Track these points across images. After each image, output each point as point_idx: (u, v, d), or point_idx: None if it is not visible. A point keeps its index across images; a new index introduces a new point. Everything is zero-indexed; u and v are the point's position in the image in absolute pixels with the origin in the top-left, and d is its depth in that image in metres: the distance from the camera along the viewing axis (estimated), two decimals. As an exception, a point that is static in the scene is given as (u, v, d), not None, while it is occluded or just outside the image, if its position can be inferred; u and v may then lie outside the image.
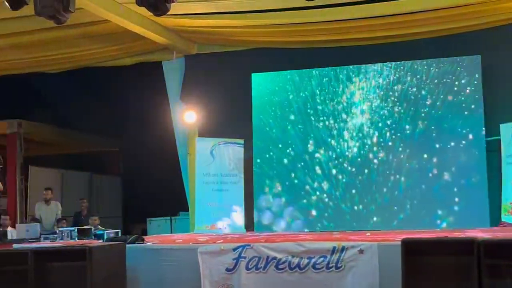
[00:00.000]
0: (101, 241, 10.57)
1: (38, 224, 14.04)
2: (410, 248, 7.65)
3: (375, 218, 12.91)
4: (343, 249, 8.61)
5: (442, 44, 12.51)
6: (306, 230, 13.04)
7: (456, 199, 12.52)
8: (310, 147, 13.43)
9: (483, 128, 12.44)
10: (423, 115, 12.88)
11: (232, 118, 13.66)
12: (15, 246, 10.46)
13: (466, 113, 12.62)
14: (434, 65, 12.88)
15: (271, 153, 13.60)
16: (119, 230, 12.90)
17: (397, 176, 12.95)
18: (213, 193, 13.12)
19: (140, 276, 9.31)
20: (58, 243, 10.44)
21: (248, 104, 13.70)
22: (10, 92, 21.60)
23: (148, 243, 10.24)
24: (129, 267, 9.28)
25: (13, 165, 19.71)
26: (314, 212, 13.30)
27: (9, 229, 14.14)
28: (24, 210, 18.94)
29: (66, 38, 12.12)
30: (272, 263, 8.74)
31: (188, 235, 12.65)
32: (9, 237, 12.73)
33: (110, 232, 11.55)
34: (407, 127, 12.95)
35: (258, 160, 13.64)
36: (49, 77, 15.27)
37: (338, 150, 13.28)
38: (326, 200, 13.24)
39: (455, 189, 12.56)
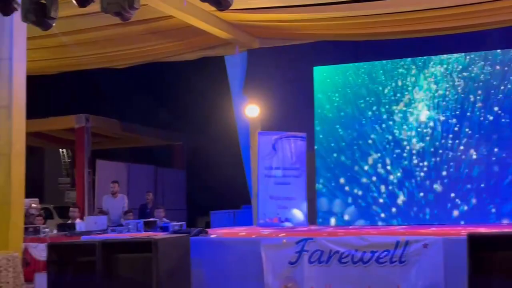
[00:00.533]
0: (166, 233, 10.69)
1: (106, 216, 14.30)
2: (477, 243, 7.51)
3: (435, 211, 12.71)
4: (407, 243, 8.54)
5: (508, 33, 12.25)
6: (368, 223, 12.94)
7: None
8: (373, 140, 13.31)
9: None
10: (494, 105, 12.63)
11: (295, 111, 13.66)
12: (83, 238, 10.67)
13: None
14: (500, 55, 12.63)
15: (333, 146, 13.53)
16: (183, 222, 13.04)
17: (465, 169, 12.72)
18: (276, 187, 13.14)
19: (204, 268, 9.38)
20: (125, 235, 10.60)
21: (310, 98, 13.65)
22: (78, 87, 22.08)
23: (212, 236, 10.33)
24: (193, 259, 9.35)
25: (81, 159, 20.15)
26: (376, 206, 13.18)
27: (77, 221, 14.41)
28: (92, 203, 19.29)
29: (131, 34, 12.28)
30: (335, 257, 8.72)
31: (251, 228, 12.72)
32: (77, 229, 12.98)
33: (175, 225, 11.69)
34: (477, 116, 12.72)
35: (321, 154, 13.58)
36: (115, 72, 15.49)
37: (404, 142, 13.12)
38: (389, 193, 13.11)
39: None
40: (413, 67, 13.09)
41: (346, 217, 13.27)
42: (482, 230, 9.26)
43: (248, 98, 13.84)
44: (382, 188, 13.16)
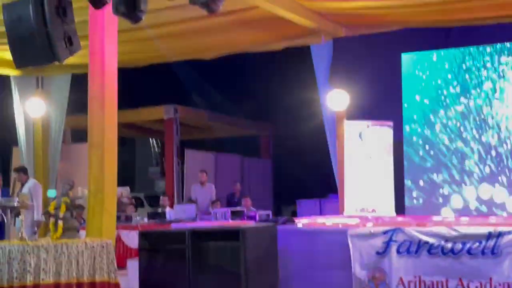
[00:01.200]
0: (253, 222, 10.77)
1: (194, 205, 14.52)
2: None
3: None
4: (499, 234, 8.37)
5: None
6: (458, 214, 12.76)
7: None
8: (463, 129, 13.09)
9: None
10: None
11: (382, 100, 13.59)
12: (173, 226, 10.87)
13: None
14: None
15: (422, 136, 13.39)
16: (270, 211, 13.12)
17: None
18: (363, 176, 13.08)
19: (291, 257, 9.42)
20: (213, 224, 10.72)
21: (398, 86, 13.58)
22: (166, 79, 22.43)
23: (299, 225, 10.35)
24: (280, 248, 9.40)
25: (170, 149, 20.51)
26: (467, 195, 12.97)
27: (167, 209, 14.71)
28: (181, 192, 19.56)
29: (218, 25, 12.36)
30: (424, 247, 8.64)
31: (337, 217, 12.67)
32: (167, 217, 13.24)
33: (261, 214, 11.77)
34: None
35: (409, 143, 13.45)
36: (203, 64, 15.66)
37: (495, 129, 12.87)
38: (478, 182, 12.90)
39: None
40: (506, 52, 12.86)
41: (434, 207, 13.14)
42: None
43: (334, 87, 13.76)
44: (473, 177, 12.99)
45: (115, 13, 8.15)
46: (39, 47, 8.18)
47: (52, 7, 8.10)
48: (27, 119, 15.82)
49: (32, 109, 15.50)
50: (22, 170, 12.11)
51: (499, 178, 12.76)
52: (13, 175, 11.96)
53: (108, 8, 8.19)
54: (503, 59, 12.78)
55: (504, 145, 12.72)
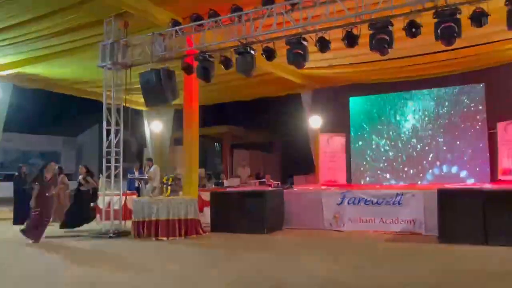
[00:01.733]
0: (270, 188, 10.83)
1: (238, 178, 14.58)
2: (443, 194, 7.30)
3: (421, 174, 12.35)
4: (402, 194, 8.37)
5: (460, 77, 11.68)
6: (378, 183, 12.69)
7: (468, 166, 11.70)
8: (381, 138, 13.04)
9: (486, 125, 11.59)
10: (447, 120, 12.16)
11: (339, 122, 13.50)
12: (228, 190, 10.93)
13: (476, 117, 11.80)
14: (455, 89, 12.15)
15: (360, 141, 13.35)
16: (279, 182, 13.15)
17: (430, 151, 12.31)
18: (330, 163, 13.04)
19: (291, 205, 9.41)
20: (248, 188, 10.73)
21: (347, 114, 13.51)
22: (224, 111, 22.45)
23: (295, 189, 10.37)
24: (285, 201, 9.45)
25: (225, 149, 20.75)
26: (385, 173, 12.90)
27: (224, 181, 14.80)
28: (231, 171, 19.61)
29: (251, 82, 12.33)
30: (362, 201, 8.66)
31: (315, 184, 12.65)
32: (224, 185, 13.32)
33: (275, 183, 11.82)
34: (440, 124, 12.28)
35: (354, 145, 13.40)
36: (243, 103, 15.69)
37: (401, 141, 12.81)
38: (391, 167, 12.82)
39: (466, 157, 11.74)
40: (409, 96, 12.80)
41: (368, 179, 13.06)
42: (449, 186, 8.93)
43: (314, 114, 13.76)
44: (387, 161, 12.92)
45: (198, 77, 8.32)
46: (158, 95, 8.36)
47: (165, 74, 8.29)
48: (151, 133, 16.09)
49: (154, 127, 15.81)
50: (150, 159, 12.33)
51: (398, 163, 12.70)
52: (145, 162, 12.15)
53: (194, 75, 8.36)
54: (409, 99, 12.76)
55: (403, 151, 12.67)
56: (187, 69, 8.32)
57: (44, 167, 8.16)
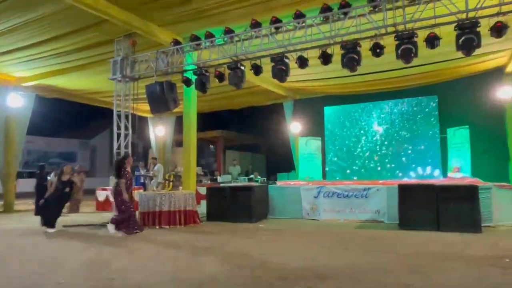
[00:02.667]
0: (257, 183, 10.77)
1: (230, 175, 14.51)
2: (403, 188, 7.38)
3: (384, 173, 12.46)
4: (369, 188, 8.43)
5: (417, 90, 11.84)
6: (349, 179, 12.79)
7: (424, 166, 11.85)
8: (351, 141, 13.13)
9: (439, 131, 11.72)
10: (406, 127, 12.29)
11: (315, 127, 13.58)
12: (221, 185, 10.89)
13: (430, 124, 11.93)
14: (414, 100, 12.29)
15: (333, 144, 13.42)
16: (265, 178, 13.13)
17: (390, 158, 12.41)
18: (307, 162, 13.13)
19: (275, 199, 9.43)
20: (243, 184, 10.67)
21: (323, 121, 13.58)
22: (218, 118, 22.37)
23: (278, 184, 10.38)
24: (270, 194, 9.46)
25: (219, 150, 20.62)
26: (354, 171, 12.99)
27: (218, 177, 14.72)
28: (224, 169, 19.60)
29: (241, 94, 12.35)
30: (335, 194, 8.69)
31: (295, 181, 12.67)
32: (218, 180, 13.27)
33: (261, 179, 11.79)
34: (400, 129, 12.40)
35: (328, 147, 13.47)
36: (235, 111, 15.66)
37: (367, 144, 12.90)
38: (359, 166, 12.92)
39: (426, 160, 11.90)
40: (375, 106, 12.91)
41: (340, 176, 13.12)
42: (406, 183, 9.04)
43: (294, 121, 13.82)
44: (358, 164, 13.00)
45: (196, 89, 8.30)
46: (161, 104, 8.30)
47: (168, 86, 8.24)
48: (155, 136, 15.93)
49: (158, 132, 15.66)
50: (154, 158, 12.26)
51: (367, 163, 12.80)
52: (150, 161, 12.04)
53: (193, 86, 8.33)
54: (374, 110, 12.88)
55: (370, 153, 12.77)
56: (187, 82, 8.31)
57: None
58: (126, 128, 8.74)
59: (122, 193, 7.05)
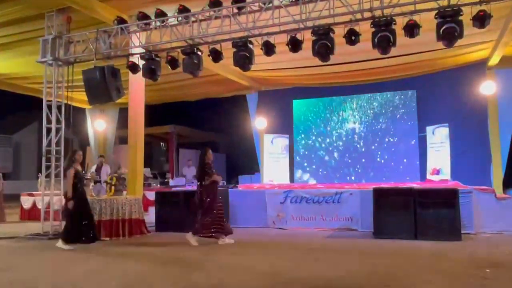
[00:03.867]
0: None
1: (184, 178, 14.41)
2: (378, 192, 7.62)
3: (358, 175, 12.82)
4: (341, 192, 8.63)
5: (394, 83, 12.25)
6: (319, 182, 13.02)
7: (401, 167, 12.31)
8: (322, 140, 13.39)
9: (417, 129, 12.22)
10: (382, 124, 12.71)
11: (283, 123, 13.70)
12: (173, 189, 10.78)
13: (408, 121, 12.40)
14: (391, 95, 12.71)
15: (303, 142, 13.62)
16: (225, 181, 13.13)
17: (365, 158, 12.79)
18: (273, 163, 13.24)
19: (236, 204, 9.43)
20: (194, 188, 10.61)
21: (291, 116, 13.74)
22: (170, 111, 22.14)
23: (240, 188, 10.42)
24: (230, 200, 9.47)
25: (171, 148, 20.42)
26: (325, 173, 13.27)
27: (170, 180, 14.57)
28: (177, 171, 19.46)
29: (198, 83, 12.28)
30: (304, 199, 8.84)
31: (260, 184, 12.78)
32: (170, 184, 13.14)
33: (220, 183, 11.76)
34: (376, 127, 12.81)
35: (297, 146, 13.65)
36: (190, 103, 15.55)
37: (340, 143, 13.21)
38: (331, 167, 13.21)
39: (402, 161, 12.36)
40: (347, 100, 13.23)
41: (309, 178, 13.36)
42: (382, 185, 9.34)
43: (258, 116, 13.89)
44: (328, 164, 13.28)
45: (143, 76, 8.13)
46: (102, 93, 8.06)
47: (109, 72, 8.02)
48: (95, 131, 15.53)
49: (98, 126, 15.27)
50: (101, 156, 12.23)
51: (339, 164, 13.13)
52: (99, 160, 11.92)
53: (140, 73, 8.16)
54: (348, 102, 13.17)
55: (343, 152, 13.09)
56: (133, 68, 8.11)
57: None
58: (58, 121, 8.43)
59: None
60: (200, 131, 22.83)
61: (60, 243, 6.90)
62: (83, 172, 10.11)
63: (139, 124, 9.10)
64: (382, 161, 12.61)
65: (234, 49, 7.25)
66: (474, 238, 7.25)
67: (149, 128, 18.10)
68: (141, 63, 8.02)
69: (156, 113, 20.79)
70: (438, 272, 5.01)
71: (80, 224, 7.00)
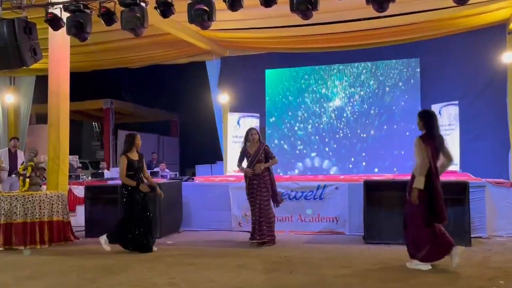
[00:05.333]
0: (166, 179, 10.76)
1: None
2: (370, 186, 7.73)
3: (350, 165, 12.99)
4: (324, 186, 8.73)
5: (393, 49, 12.39)
6: (299, 174, 13.11)
7: (402, 152, 12.52)
8: (302, 120, 13.48)
9: (420, 107, 12.36)
10: (377, 100, 12.90)
11: (252, 99, 13.69)
12: (109, 182, 10.68)
13: (410, 98, 12.60)
14: (388, 64, 12.87)
15: (277, 123, 13.65)
16: (177, 172, 13.07)
17: (354, 143, 12.99)
18: (239, 149, 13.18)
19: (191, 202, 9.52)
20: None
21: (263, 90, 13.73)
22: (104, 81, 21.85)
23: (196, 181, 10.41)
24: (184, 196, 9.49)
25: (107, 130, 20.21)
26: (307, 161, 13.36)
27: (105, 171, 14.43)
28: (115, 159, 19.33)
29: (141, 45, 12.11)
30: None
31: (222, 176, 12.79)
32: (105, 176, 13.00)
33: (171, 174, 11.76)
34: (368, 105, 12.98)
35: (270, 128, 13.68)
36: (131, 70, 15.33)
37: (325, 124, 13.32)
38: (314, 154, 13.31)
39: (401, 148, 12.61)
40: (334, 71, 13.32)
41: (284, 169, 13.44)
42: (374, 178, 9.50)
43: (221, 90, 13.81)
44: (309, 149, 13.39)
45: (68, 34, 7.90)
46: (11, 56, 7.81)
47: (21, 27, 7.75)
48: (3, 107, 15.13)
49: (6, 100, 14.88)
50: (15, 138, 11.95)
51: (324, 152, 13.24)
52: (11, 143, 11.57)
53: (63, 29, 7.92)
54: (335, 73, 13.26)
55: (329, 136, 13.20)
56: (54, 23, 7.85)
57: None
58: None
59: None
60: (145, 108, 22.64)
61: None
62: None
63: (63, 98, 8.93)
64: (376, 147, 12.79)
65: (189, 1, 7.14)
66: (487, 243, 7.49)
67: (77, 103, 17.83)
68: (65, 16, 7.78)
69: (86, 84, 20.41)
70: (443, 286, 5.15)
71: None
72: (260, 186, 7.76)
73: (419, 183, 5.69)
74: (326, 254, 6.92)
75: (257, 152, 7.92)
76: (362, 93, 13.05)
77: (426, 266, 5.79)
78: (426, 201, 5.75)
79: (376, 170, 12.42)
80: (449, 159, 5.91)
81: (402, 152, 12.43)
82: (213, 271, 5.97)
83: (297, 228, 8.76)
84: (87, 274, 5.91)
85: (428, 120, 5.92)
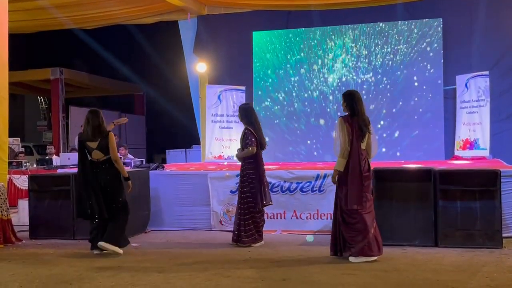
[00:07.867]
0: (129, 168, 10.68)
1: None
2: (380, 176, 7.74)
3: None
4: (325, 176, 8.72)
5: (411, 8, 12.34)
6: (293, 161, 13.12)
7: (416, 132, 12.57)
8: (297, 95, 13.45)
9: (442, 79, 12.42)
10: (389, 70, 12.88)
11: (236, 68, 13.67)
12: (59, 171, 10.60)
13: (430, 68, 12.59)
14: (404, 26, 12.83)
15: (268, 98, 13.62)
16: (143, 159, 13.03)
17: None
18: (220, 130, 13.22)
19: (161, 195, 9.52)
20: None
21: (249, 57, 13.68)
22: (53, 44, 21.62)
23: (167, 170, 10.37)
24: (152, 188, 9.46)
25: (56, 106, 20.10)
26: (301, 146, 13.38)
27: (54, 157, 14.32)
28: (66, 142, 19.25)
29: (99, 0, 12.02)
30: (266, 186, 8.82)
31: (199, 164, 12.78)
32: (54, 164, 12.91)
33: (136, 161, 11.68)
34: (380, 76, 12.99)
35: (258, 104, 13.64)
36: (86, 32, 15.19)
37: (326, 100, 13.32)
38: (312, 136, 13.31)
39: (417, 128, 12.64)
40: (335, 33, 13.26)
41: (277, 155, 13.44)
42: (385, 166, 9.51)
43: (198, 57, 13.75)
44: (304, 130, 13.41)
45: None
46: None
47: None
48: None
49: None
50: None
51: (323, 134, 13.24)
52: None
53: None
54: (337, 36, 13.20)
55: (328, 113, 13.19)
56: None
57: None
58: None
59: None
60: (104, 78, 22.50)
61: None
62: None
63: (0, 67, 8.84)
64: (388, 128, 12.82)
65: None
66: (521, 244, 7.55)
67: (19, 72, 17.68)
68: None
69: (30, 49, 20.19)
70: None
71: None
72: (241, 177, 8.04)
73: (339, 165, 6.64)
74: (326, 258, 6.93)
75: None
76: (369, 62, 13.05)
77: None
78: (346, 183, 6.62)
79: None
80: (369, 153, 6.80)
81: (426, 128, 12.52)
82: (187, 280, 5.96)
83: (291, 226, 8.78)
84: (32, 284, 5.88)
85: (350, 101, 6.79)
